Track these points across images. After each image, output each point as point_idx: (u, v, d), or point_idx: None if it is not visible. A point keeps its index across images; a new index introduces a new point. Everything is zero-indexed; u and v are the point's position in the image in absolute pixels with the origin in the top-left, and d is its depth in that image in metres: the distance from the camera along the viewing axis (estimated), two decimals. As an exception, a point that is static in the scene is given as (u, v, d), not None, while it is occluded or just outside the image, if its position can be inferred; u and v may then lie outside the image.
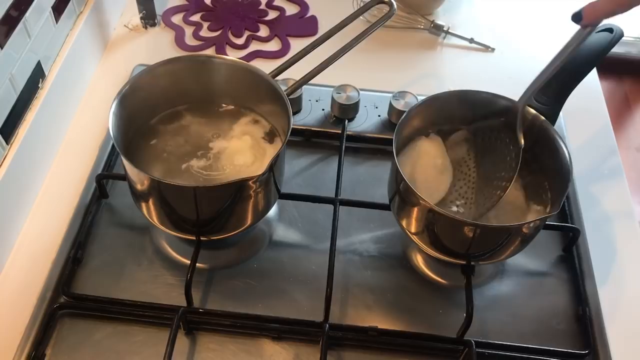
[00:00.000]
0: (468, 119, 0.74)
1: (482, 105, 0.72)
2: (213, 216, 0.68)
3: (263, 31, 1.04)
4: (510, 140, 0.69)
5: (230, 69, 0.74)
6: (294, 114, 0.86)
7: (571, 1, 1.15)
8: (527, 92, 0.68)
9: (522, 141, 0.67)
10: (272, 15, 1.07)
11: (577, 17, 0.63)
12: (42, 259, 0.73)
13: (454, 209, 0.71)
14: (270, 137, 0.75)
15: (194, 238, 0.70)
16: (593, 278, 0.74)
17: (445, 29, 1.03)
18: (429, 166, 0.72)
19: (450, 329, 0.68)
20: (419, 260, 0.76)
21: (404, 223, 0.70)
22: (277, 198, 0.73)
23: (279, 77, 0.74)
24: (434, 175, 0.72)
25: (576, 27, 0.63)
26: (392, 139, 0.67)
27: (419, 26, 1.05)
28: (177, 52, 1.00)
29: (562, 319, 0.72)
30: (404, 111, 0.76)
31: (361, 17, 0.81)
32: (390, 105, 0.86)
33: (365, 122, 0.87)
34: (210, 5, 1.08)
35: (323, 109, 0.89)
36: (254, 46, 1.02)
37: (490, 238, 0.66)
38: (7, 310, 0.69)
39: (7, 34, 0.71)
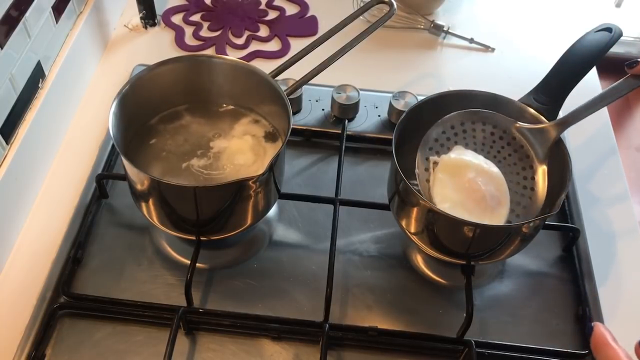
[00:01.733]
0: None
1: (482, 105, 0.72)
2: (213, 216, 0.68)
3: (263, 31, 1.04)
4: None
5: (230, 69, 0.74)
6: (294, 114, 0.86)
7: (571, 1, 1.16)
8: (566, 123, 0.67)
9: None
10: (272, 15, 1.07)
11: (631, 65, 0.64)
12: (42, 259, 0.73)
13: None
14: (270, 137, 0.75)
15: (194, 238, 0.70)
16: (593, 278, 0.74)
17: (445, 29, 1.03)
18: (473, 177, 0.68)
19: (450, 329, 0.68)
20: (419, 260, 0.76)
21: (403, 223, 0.70)
22: (277, 198, 0.73)
23: (279, 77, 0.74)
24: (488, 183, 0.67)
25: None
26: (392, 139, 0.67)
27: (419, 26, 1.05)
28: (177, 52, 1.00)
29: (562, 319, 0.72)
30: (404, 111, 0.75)
31: (361, 17, 0.81)
32: (390, 105, 0.86)
33: (365, 122, 0.88)
34: (210, 5, 1.08)
35: (323, 109, 0.89)
36: (254, 46, 1.02)
37: (490, 238, 0.66)
38: (7, 310, 0.69)
39: (7, 34, 0.71)
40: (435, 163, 0.69)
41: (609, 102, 0.66)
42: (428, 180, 0.68)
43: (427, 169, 0.69)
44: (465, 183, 0.67)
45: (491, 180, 0.67)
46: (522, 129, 0.69)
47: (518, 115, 0.70)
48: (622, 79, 0.66)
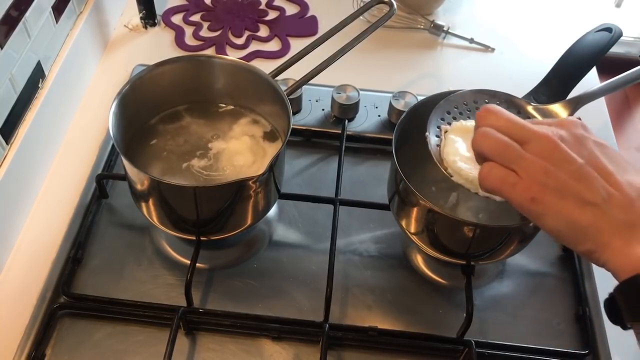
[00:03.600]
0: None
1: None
2: (213, 216, 0.68)
3: (263, 31, 1.04)
4: None
5: (230, 69, 0.74)
6: (294, 114, 0.86)
7: (571, 1, 1.16)
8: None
9: None
10: (272, 15, 1.07)
11: None
12: (42, 259, 0.73)
13: None
14: (270, 137, 0.75)
15: (194, 238, 0.70)
16: (593, 278, 0.74)
17: (445, 29, 1.03)
18: None
19: (450, 329, 0.68)
20: (419, 260, 0.76)
21: (403, 223, 0.70)
22: (277, 198, 0.73)
23: (279, 77, 0.74)
24: None
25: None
26: (392, 139, 0.67)
27: (419, 26, 1.05)
28: (177, 52, 1.00)
29: (562, 319, 0.72)
30: (404, 111, 0.75)
31: (361, 17, 0.81)
32: (390, 105, 0.86)
33: (365, 122, 0.88)
34: (210, 5, 1.08)
35: (323, 109, 0.89)
36: (254, 46, 1.02)
37: (490, 238, 0.66)
38: (7, 310, 0.69)
39: (7, 34, 0.71)
40: (446, 131, 0.67)
41: (625, 87, 0.66)
42: (438, 146, 0.66)
43: (438, 136, 0.67)
44: None
45: None
46: (537, 108, 0.68)
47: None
48: (637, 68, 0.66)
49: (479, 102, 0.68)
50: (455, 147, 0.64)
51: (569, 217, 0.44)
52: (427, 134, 0.65)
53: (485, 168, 0.47)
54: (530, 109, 0.68)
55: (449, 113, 0.68)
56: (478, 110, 0.67)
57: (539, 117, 0.67)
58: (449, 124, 0.67)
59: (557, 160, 0.45)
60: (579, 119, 0.50)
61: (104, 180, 0.79)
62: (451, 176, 0.62)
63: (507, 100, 0.69)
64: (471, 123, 0.66)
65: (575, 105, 0.66)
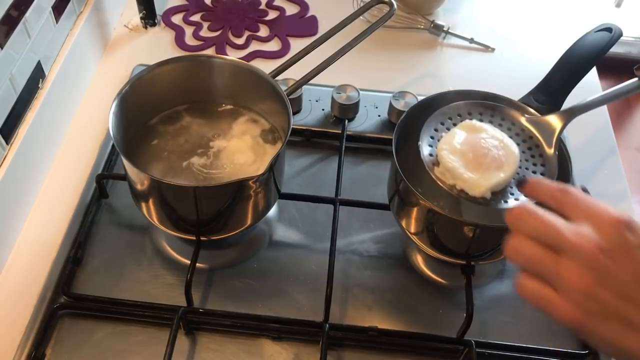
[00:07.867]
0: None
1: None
2: (213, 216, 0.68)
3: (263, 31, 1.04)
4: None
5: (230, 68, 0.74)
6: (294, 114, 0.86)
7: (571, 1, 1.16)
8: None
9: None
10: (272, 15, 1.07)
11: (639, 68, 0.66)
12: (42, 259, 0.73)
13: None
14: (270, 137, 0.75)
15: (194, 238, 0.70)
16: (593, 278, 0.74)
17: (445, 29, 1.03)
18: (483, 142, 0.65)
19: (450, 329, 0.68)
20: (419, 260, 0.76)
21: (403, 223, 0.70)
22: (277, 198, 0.73)
23: (279, 77, 0.74)
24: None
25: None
26: (392, 139, 0.67)
27: (419, 26, 1.05)
28: (177, 52, 1.00)
29: (562, 319, 0.72)
30: (404, 111, 0.75)
31: (361, 17, 0.81)
32: (390, 105, 0.86)
33: (365, 122, 0.88)
34: (210, 5, 1.08)
35: (323, 109, 0.89)
36: (254, 46, 1.02)
37: (490, 238, 0.66)
38: (7, 310, 0.69)
39: (7, 34, 0.71)
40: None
41: (617, 99, 0.67)
42: (431, 155, 0.66)
43: (431, 145, 0.66)
44: (475, 139, 0.64)
45: (504, 149, 0.64)
46: (530, 120, 0.68)
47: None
48: (632, 80, 0.67)
49: (473, 113, 0.69)
50: (450, 140, 0.64)
51: (615, 343, 0.40)
52: (419, 142, 0.65)
53: (520, 280, 0.43)
54: (523, 120, 0.68)
55: (442, 124, 0.68)
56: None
57: (533, 129, 0.68)
58: (443, 133, 0.67)
59: (597, 276, 0.40)
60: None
61: (104, 180, 0.79)
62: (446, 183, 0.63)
63: (502, 112, 0.69)
64: (481, 123, 0.66)
65: (569, 116, 0.67)
